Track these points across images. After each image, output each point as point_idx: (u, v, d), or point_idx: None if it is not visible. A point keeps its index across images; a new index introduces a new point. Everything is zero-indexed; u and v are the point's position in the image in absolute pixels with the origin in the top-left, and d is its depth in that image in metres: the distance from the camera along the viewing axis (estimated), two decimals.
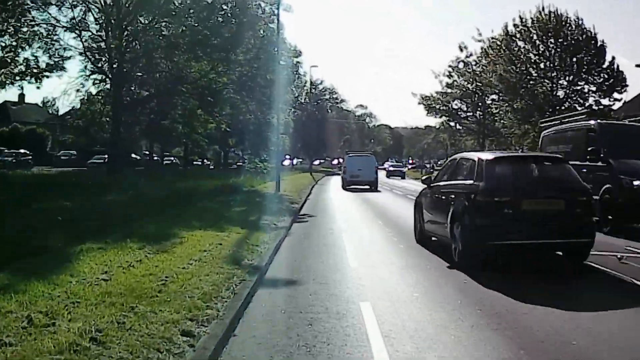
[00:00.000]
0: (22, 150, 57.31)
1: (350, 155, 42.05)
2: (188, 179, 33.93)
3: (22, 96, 74.31)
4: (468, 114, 52.03)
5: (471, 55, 50.88)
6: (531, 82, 38.16)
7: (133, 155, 78.75)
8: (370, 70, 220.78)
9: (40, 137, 69.18)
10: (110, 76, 34.64)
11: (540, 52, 37.74)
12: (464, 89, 50.76)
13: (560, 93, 38.41)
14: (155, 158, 76.73)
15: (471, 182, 10.84)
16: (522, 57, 38.05)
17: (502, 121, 41.05)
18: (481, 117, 51.65)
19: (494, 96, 51.18)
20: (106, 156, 69.83)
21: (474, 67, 50.05)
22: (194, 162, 79.49)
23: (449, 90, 51.40)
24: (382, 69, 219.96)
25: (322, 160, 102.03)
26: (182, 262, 9.80)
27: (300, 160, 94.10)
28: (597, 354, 5.97)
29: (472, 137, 54.02)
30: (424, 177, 18.54)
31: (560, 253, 11.00)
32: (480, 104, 51.22)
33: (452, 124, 53.68)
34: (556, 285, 9.23)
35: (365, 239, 15.22)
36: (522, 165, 11.50)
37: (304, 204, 25.48)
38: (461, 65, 51.25)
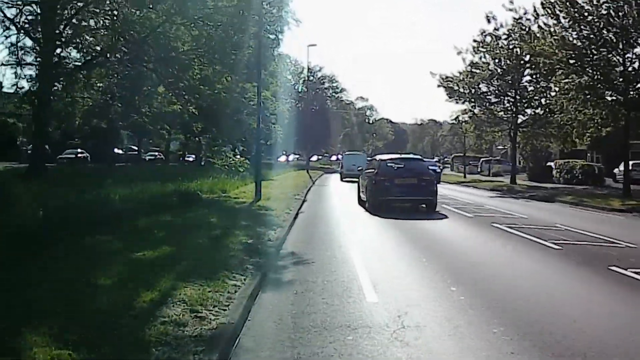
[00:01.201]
0: None
1: (347, 153, 51.92)
2: (139, 182, 23.19)
3: None
4: (500, 97, 40.66)
5: (501, 26, 40.07)
6: (601, 49, 27.28)
7: (116, 150, 68.97)
8: (364, 37, 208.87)
9: (8, 130, 58.71)
10: (36, 39, 24.08)
11: (611, 11, 27.11)
12: (499, 67, 39.65)
13: (636, 64, 27.55)
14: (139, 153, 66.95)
15: (373, 170, 20.44)
16: (586, 16, 27.35)
17: (561, 103, 29.85)
18: (512, 103, 40.68)
19: (527, 77, 40.81)
20: (79, 150, 60.79)
21: (504, 41, 39.44)
22: (182, 158, 68.70)
23: (476, 71, 40.33)
24: (377, 34, 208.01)
25: (320, 157, 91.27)
26: None
27: (297, 156, 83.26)
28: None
29: (499, 129, 42.92)
30: (359, 167, 28.16)
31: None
32: (512, 88, 40.25)
33: (476, 111, 42.57)
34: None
35: None
36: (398, 161, 21.24)
37: (292, 225, 14.80)
38: (489, 39, 40.42)
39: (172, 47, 21.89)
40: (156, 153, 64.71)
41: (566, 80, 28.29)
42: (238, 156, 22.99)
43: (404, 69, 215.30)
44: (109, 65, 22.73)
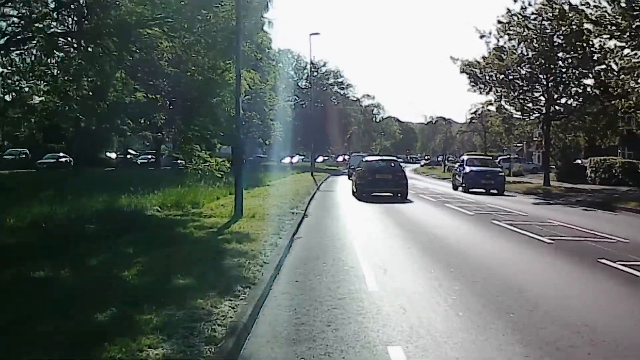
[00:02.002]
0: None
1: (354, 155, 51.42)
2: (85, 195, 16.78)
3: None
4: (530, 85, 33.72)
5: (529, 5, 33.44)
6: None
7: (108, 154, 62.50)
8: (370, 27, 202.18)
9: None
10: None
11: None
12: (530, 48, 32.81)
13: None
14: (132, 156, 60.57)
15: (361, 168, 25.08)
16: None
17: (621, 85, 23.19)
18: (544, 91, 33.93)
19: (560, 62, 33.99)
20: (61, 154, 54.18)
21: (534, 21, 32.87)
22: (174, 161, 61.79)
23: (503, 55, 33.54)
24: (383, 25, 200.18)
25: (325, 157, 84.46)
26: None
27: (302, 157, 76.45)
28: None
29: (530, 122, 36.09)
30: (352, 166, 36.11)
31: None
32: (544, 73, 33.49)
33: (503, 102, 35.80)
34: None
35: None
36: (379, 160, 27.10)
37: (276, 277, 8.05)
38: (516, 19, 33.77)
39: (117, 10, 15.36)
40: (149, 156, 57.90)
41: (631, 56, 21.64)
42: (228, 158, 16.14)
43: (412, 65, 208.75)
44: (40, 43, 16.09)
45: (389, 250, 10.79)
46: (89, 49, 18.19)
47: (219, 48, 16.74)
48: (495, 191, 28.83)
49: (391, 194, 23.44)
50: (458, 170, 32.91)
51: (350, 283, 7.86)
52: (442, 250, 10.77)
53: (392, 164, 25.54)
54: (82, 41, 18.02)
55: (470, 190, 29.12)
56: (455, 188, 32.42)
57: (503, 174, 31.53)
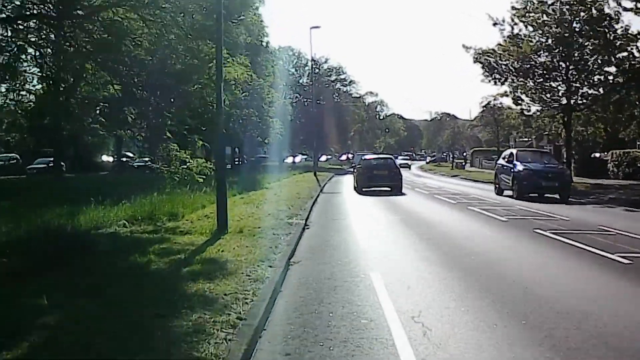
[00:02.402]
0: None
1: (358, 153, 54.95)
2: (35, 207, 13.93)
3: None
4: (549, 75, 30.60)
5: None
6: None
7: (105, 158, 59.80)
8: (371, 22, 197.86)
9: None
10: None
11: None
12: (549, 35, 29.74)
13: None
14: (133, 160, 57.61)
15: (361, 165, 27.52)
16: None
17: None
18: (564, 81, 30.87)
19: (580, 50, 30.88)
20: (52, 159, 51.21)
21: (552, 6, 29.92)
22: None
23: (520, 43, 30.44)
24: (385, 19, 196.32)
25: (329, 156, 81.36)
26: None
27: (305, 156, 73.36)
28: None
29: (548, 113, 32.94)
30: (352, 164, 39.25)
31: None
32: (564, 61, 30.41)
33: (519, 92, 32.64)
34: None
35: None
36: (376, 158, 29.90)
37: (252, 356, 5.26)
38: (531, 5, 30.74)
39: None
40: (147, 159, 54.98)
41: None
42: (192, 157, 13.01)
43: (413, 61, 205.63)
44: None
45: (422, 285, 7.52)
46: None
47: (197, 28, 13.82)
48: (557, 196, 21.54)
49: (389, 189, 25.54)
50: (505, 168, 23.71)
51: (374, 357, 4.82)
52: (494, 283, 7.63)
53: (388, 161, 27.91)
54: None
55: (525, 195, 21.21)
56: (499, 192, 24.08)
57: (569, 172, 24.05)
